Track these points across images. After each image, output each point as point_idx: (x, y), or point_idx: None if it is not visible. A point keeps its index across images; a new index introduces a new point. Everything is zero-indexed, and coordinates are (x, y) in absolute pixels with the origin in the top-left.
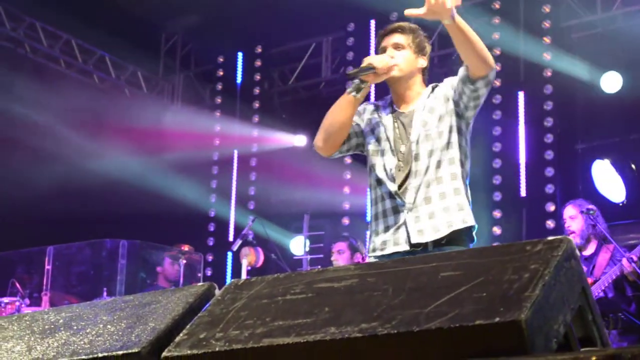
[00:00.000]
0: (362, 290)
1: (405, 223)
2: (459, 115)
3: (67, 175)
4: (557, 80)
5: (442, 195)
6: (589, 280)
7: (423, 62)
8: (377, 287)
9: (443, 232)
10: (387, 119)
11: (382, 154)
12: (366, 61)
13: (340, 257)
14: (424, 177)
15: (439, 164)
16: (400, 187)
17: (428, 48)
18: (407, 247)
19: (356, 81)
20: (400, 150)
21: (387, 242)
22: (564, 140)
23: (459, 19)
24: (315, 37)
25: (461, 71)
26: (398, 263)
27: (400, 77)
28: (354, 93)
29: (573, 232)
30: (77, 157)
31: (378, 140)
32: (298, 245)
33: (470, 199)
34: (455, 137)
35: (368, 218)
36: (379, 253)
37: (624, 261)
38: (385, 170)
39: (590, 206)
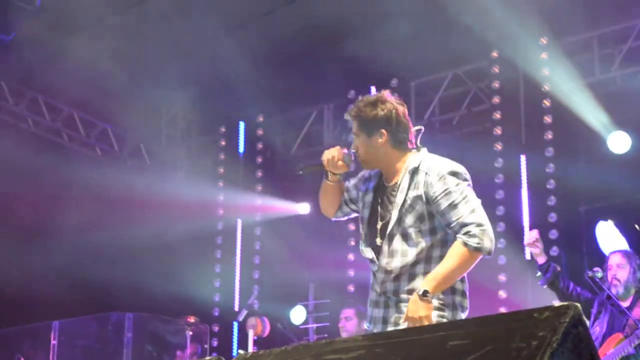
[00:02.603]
0: None
1: (377, 308)
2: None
3: (71, 248)
4: (558, 143)
5: (411, 292)
6: (620, 335)
7: (380, 137)
8: (386, 358)
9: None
10: (369, 195)
11: (367, 228)
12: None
13: (347, 324)
14: (396, 272)
15: (414, 264)
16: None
17: (382, 116)
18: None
19: (314, 168)
20: (377, 228)
21: (371, 320)
22: (567, 202)
23: (431, 293)
24: (317, 105)
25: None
26: (405, 332)
27: (368, 162)
28: (324, 179)
29: (618, 281)
30: (78, 230)
31: (364, 211)
32: (299, 315)
33: (450, 293)
34: (439, 235)
35: None
36: (370, 327)
37: None
38: (365, 251)
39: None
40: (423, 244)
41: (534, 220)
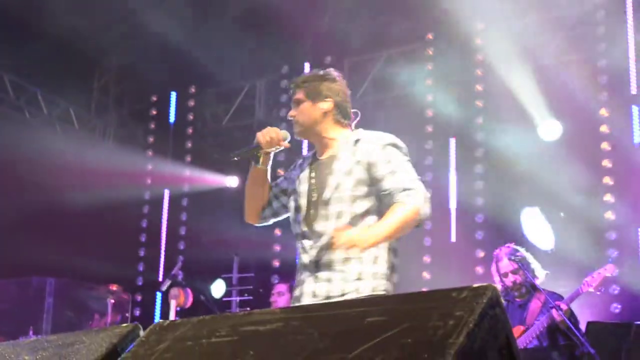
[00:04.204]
0: (287, 334)
1: (306, 282)
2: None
3: None
4: (488, 128)
5: (345, 261)
6: (522, 327)
7: (325, 105)
8: (302, 331)
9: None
10: (305, 171)
11: (297, 210)
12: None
13: (280, 299)
14: (330, 239)
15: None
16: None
17: (330, 87)
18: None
19: (253, 151)
20: (312, 200)
21: (296, 298)
22: (494, 186)
23: (376, 239)
24: (250, 79)
25: (390, 196)
26: (324, 307)
27: (304, 131)
28: (254, 163)
29: (520, 284)
30: (1, 193)
31: (296, 195)
32: (219, 289)
33: (385, 263)
34: (373, 203)
35: None
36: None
37: (553, 311)
38: (299, 224)
39: (519, 253)
40: (358, 209)
41: (460, 204)
